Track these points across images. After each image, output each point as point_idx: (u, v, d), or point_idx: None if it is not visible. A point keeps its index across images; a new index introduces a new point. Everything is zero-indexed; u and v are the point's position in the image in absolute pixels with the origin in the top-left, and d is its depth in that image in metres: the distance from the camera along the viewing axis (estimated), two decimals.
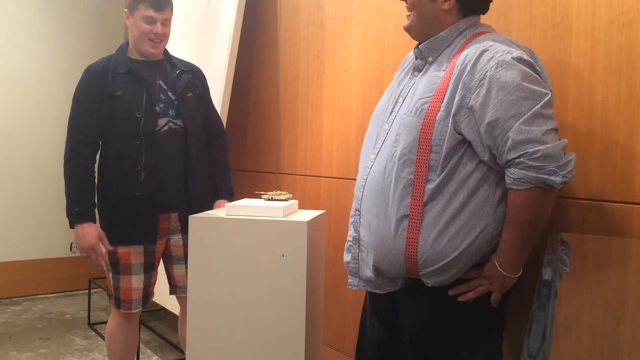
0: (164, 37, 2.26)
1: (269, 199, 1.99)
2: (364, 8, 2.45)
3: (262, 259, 1.81)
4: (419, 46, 1.59)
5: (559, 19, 1.69)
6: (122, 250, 2.20)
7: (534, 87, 1.37)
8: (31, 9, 4.28)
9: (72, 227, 2.18)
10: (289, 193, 2.05)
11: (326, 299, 2.50)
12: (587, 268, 1.31)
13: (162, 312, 3.53)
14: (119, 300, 2.24)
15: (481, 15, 1.61)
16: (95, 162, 2.25)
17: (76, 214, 2.16)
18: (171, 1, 2.28)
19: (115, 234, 2.20)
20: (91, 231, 2.15)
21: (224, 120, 2.88)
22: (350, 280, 1.64)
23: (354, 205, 1.63)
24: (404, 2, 1.61)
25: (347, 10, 2.54)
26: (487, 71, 1.39)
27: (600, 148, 1.60)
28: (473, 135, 1.42)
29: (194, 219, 1.89)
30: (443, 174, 1.44)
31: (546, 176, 1.33)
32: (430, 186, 1.44)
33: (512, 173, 1.37)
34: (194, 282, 1.88)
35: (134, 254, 2.21)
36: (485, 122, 1.39)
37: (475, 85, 1.40)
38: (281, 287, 1.80)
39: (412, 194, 1.46)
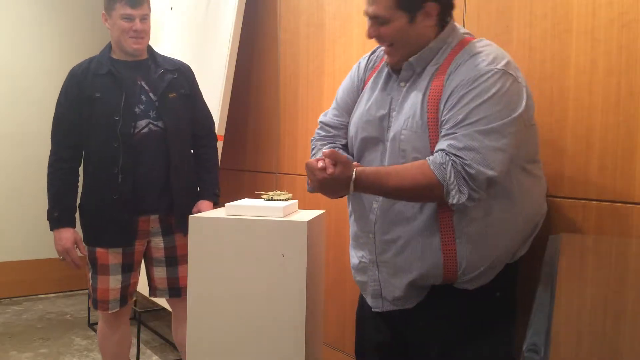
0: (144, 33, 2.25)
1: (269, 199, 1.99)
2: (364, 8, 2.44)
3: (262, 259, 1.81)
4: (410, 60, 1.53)
5: (559, 19, 1.69)
6: (100, 250, 2.23)
7: (507, 101, 1.38)
8: (31, 9, 4.28)
9: (51, 230, 2.25)
10: (289, 193, 2.05)
11: (326, 299, 2.50)
12: (587, 268, 1.31)
13: (162, 312, 3.52)
14: (96, 301, 2.26)
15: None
16: (79, 164, 2.30)
17: (55, 219, 2.23)
18: None
19: (94, 235, 2.25)
20: (67, 235, 2.22)
21: (224, 120, 2.88)
22: (372, 302, 1.62)
23: (363, 227, 1.61)
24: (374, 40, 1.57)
25: (347, 10, 2.54)
26: (469, 79, 1.40)
27: (600, 148, 1.60)
28: None
29: (194, 219, 1.89)
30: None
31: (454, 188, 1.34)
32: None
33: (440, 156, 1.37)
34: (194, 282, 1.88)
35: (112, 255, 2.23)
36: (452, 124, 1.40)
37: (455, 90, 1.41)
38: (281, 287, 1.79)
39: (438, 204, 1.45)
